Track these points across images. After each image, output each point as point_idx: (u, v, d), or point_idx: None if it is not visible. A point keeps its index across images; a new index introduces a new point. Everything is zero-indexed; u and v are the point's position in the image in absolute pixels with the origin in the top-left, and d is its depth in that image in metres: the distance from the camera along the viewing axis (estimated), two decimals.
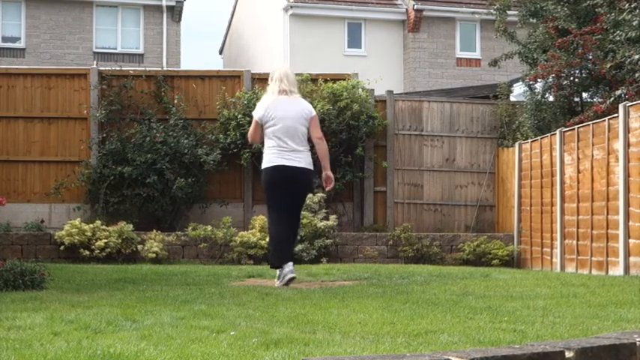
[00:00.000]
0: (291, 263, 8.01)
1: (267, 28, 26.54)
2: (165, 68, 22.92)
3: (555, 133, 12.23)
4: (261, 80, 14.26)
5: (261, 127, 8.18)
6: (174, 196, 13.45)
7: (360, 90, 14.19)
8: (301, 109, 8.22)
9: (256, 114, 8.22)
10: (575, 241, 11.43)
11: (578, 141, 11.45)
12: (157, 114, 14.00)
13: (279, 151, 8.08)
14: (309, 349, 3.96)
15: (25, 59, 24.15)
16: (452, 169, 14.88)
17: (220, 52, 32.22)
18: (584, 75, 13.19)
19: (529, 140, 13.48)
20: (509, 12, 15.01)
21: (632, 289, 7.01)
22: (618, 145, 10.11)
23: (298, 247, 12.55)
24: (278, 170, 8.07)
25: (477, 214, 14.84)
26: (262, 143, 8.34)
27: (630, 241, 9.77)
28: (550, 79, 13.38)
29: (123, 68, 15.19)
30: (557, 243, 11.96)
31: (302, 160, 8.13)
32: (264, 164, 8.16)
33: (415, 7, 24.71)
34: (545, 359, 2.89)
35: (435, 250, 13.30)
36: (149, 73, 14.72)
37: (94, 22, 25.28)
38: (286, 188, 8.10)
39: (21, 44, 24.78)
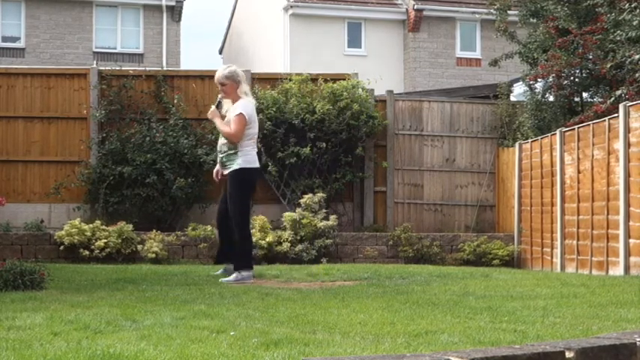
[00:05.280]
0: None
1: (267, 28, 26.53)
2: (165, 68, 22.93)
3: (555, 133, 12.22)
4: (262, 80, 14.28)
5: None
6: (174, 196, 13.44)
7: (360, 90, 14.17)
8: None
9: (248, 113, 8.40)
10: (575, 241, 11.42)
11: (578, 141, 11.44)
12: (156, 114, 13.99)
13: (255, 154, 8.55)
14: (309, 349, 3.96)
15: (24, 59, 24.15)
16: (452, 169, 14.87)
17: (220, 52, 32.22)
18: (584, 75, 13.18)
19: (529, 140, 13.47)
20: (509, 12, 15.02)
21: (632, 289, 7.00)
22: (618, 145, 10.11)
23: (298, 247, 12.56)
24: (258, 172, 8.83)
25: (477, 214, 14.82)
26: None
27: (630, 241, 9.76)
28: (550, 79, 13.37)
29: (123, 68, 15.16)
30: (558, 243, 11.96)
31: None
32: (252, 164, 8.44)
33: (415, 6, 24.71)
34: (546, 359, 2.88)
35: (435, 250, 13.29)
36: (149, 72, 14.71)
37: (94, 21, 25.29)
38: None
39: (21, 44, 24.78)
